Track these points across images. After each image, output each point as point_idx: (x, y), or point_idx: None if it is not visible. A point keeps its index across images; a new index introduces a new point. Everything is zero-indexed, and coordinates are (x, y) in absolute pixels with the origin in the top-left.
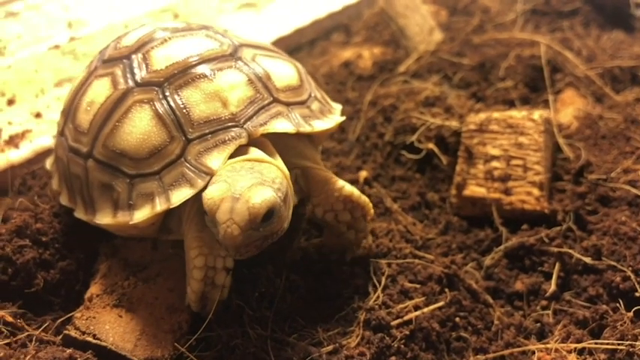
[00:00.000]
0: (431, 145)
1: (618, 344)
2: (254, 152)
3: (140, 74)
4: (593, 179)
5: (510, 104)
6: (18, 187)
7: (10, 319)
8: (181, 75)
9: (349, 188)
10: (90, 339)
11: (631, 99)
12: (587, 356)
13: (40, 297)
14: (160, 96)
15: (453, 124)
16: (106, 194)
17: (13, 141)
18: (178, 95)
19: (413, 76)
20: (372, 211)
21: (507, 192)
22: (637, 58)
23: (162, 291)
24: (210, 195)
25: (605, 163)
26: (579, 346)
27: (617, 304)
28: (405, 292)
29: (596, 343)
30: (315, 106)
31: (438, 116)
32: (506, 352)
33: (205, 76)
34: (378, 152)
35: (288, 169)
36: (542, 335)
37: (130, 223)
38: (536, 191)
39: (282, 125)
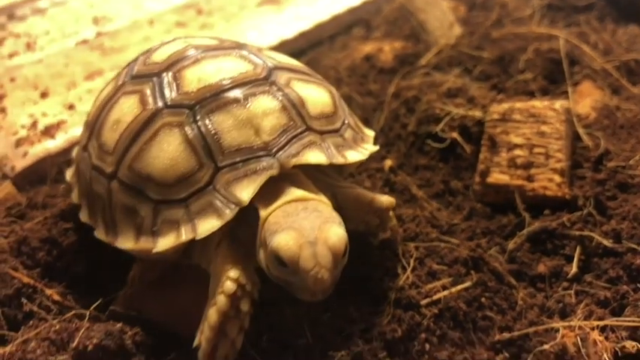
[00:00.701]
0: (455, 135)
1: (638, 321)
2: (294, 191)
3: (170, 95)
4: (612, 166)
5: (530, 95)
6: (55, 175)
7: (57, 297)
8: (213, 98)
9: (382, 201)
10: (135, 314)
11: None
12: (610, 333)
13: (84, 278)
14: (191, 120)
15: (476, 114)
16: (129, 218)
17: (48, 132)
18: (209, 120)
19: (434, 68)
20: (394, 202)
21: (530, 179)
22: None
23: (203, 272)
24: (287, 245)
25: (624, 151)
26: (601, 323)
27: (637, 285)
28: (433, 273)
29: (617, 321)
30: (348, 134)
31: (461, 107)
32: (530, 329)
33: (238, 101)
34: (402, 142)
35: (320, 191)
36: (564, 315)
37: (153, 251)
38: (557, 178)
39: (315, 157)
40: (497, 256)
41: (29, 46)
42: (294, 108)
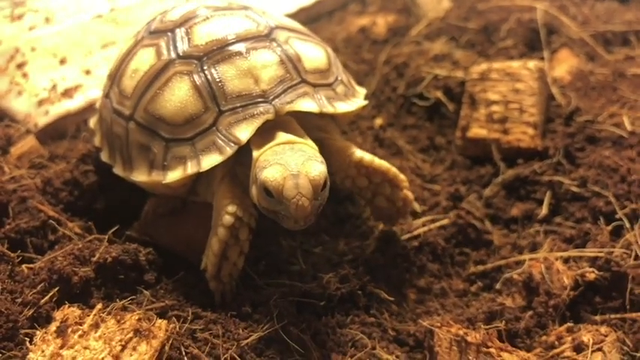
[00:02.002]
0: (439, 94)
1: (598, 252)
2: (284, 136)
3: (182, 47)
4: (582, 121)
5: (510, 59)
6: (73, 132)
7: (78, 230)
8: (219, 51)
9: (359, 154)
10: (148, 239)
11: (620, 57)
12: (572, 264)
13: (102, 214)
14: (199, 69)
15: (459, 74)
16: (143, 154)
17: (67, 93)
18: (215, 69)
19: (423, 38)
20: (401, 178)
21: (505, 132)
22: (629, 23)
23: (207, 206)
24: (273, 177)
25: (593, 109)
26: (564, 254)
27: (598, 223)
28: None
29: (578, 252)
30: (340, 89)
31: (445, 69)
32: (502, 262)
33: (241, 53)
34: (392, 104)
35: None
36: (534, 250)
37: (163, 182)
38: (530, 130)
39: (307, 105)
40: (474, 202)
41: (48, 20)
42: (291, 62)
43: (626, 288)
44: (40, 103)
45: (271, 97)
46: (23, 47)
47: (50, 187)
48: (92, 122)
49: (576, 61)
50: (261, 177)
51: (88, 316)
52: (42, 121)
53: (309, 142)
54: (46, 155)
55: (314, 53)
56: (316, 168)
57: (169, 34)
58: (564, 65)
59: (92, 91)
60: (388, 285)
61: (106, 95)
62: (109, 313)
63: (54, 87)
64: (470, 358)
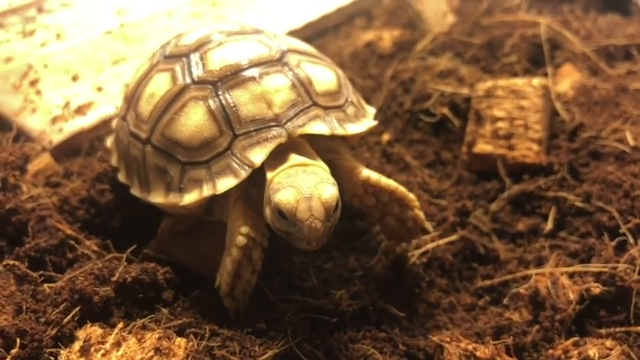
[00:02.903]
0: (445, 111)
1: (602, 267)
2: (297, 158)
3: (197, 73)
4: (586, 137)
5: (515, 76)
6: (87, 149)
7: (96, 248)
8: (233, 76)
9: (366, 173)
10: (164, 257)
11: (623, 72)
12: (578, 278)
13: (119, 232)
14: (213, 94)
15: (464, 91)
16: (160, 177)
17: (81, 110)
18: (229, 95)
19: (429, 54)
20: (410, 198)
21: (511, 148)
22: (631, 37)
23: (222, 225)
24: (286, 200)
25: (597, 124)
26: (570, 269)
27: (603, 238)
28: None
29: (583, 267)
30: (350, 110)
31: (451, 86)
32: (509, 276)
33: (254, 78)
34: (398, 119)
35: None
36: (539, 265)
37: (180, 204)
38: (535, 146)
39: (318, 128)
40: (481, 217)
41: (59, 36)
42: (303, 86)
43: (630, 302)
44: (54, 120)
45: (284, 121)
46: (36, 64)
47: (67, 206)
48: (109, 142)
49: (579, 76)
50: (275, 199)
51: (110, 335)
52: (56, 138)
53: (321, 163)
54: (61, 172)
55: (325, 76)
56: (328, 190)
57: (184, 59)
58: (567, 80)
59: (104, 108)
60: (398, 300)
61: (123, 118)
62: (129, 332)
63: (67, 104)
64: None
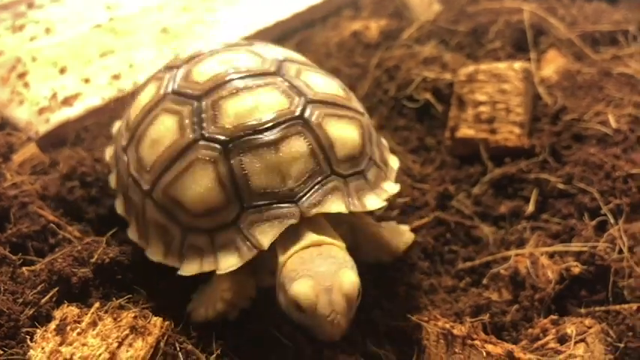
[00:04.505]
0: (428, 96)
1: (582, 246)
2: (310, 236)
3: (207, 127)
4: (568, 120)
5: (498, 61)
6: (73, 139)
7: (78, 234)
8: (247, 138)
9: (395, 245)
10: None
11: (607, 57)
12: (558, 258)
13: (101, 221)
14: (224, 157)
15: (447, 76)
16: (160, 234)
17: (67, 101)
18: (241, 161)
19: (415, 42)
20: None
21: (493, 132)
22: (617, 23)
23: None
24: (304, 294)
25: (579, 107)
26: (550, 249)
27: (583, 218)
28: (405, 211)
29: (563, 246)
30: (371, 174)
31: (434, 72)
32: (489, 257)
33: (270, 144)
34: (384, 106)
35: (337, 225)
36: (521, 246)
37: (178, 273)
38: (517, 130)
39: (335, 207)
40: (464, 200)
41: (48, 31)
42: (322, 152)
43: (609, 281)
44: (41, 111)
45: (297, 197)
46: (24, 57)
47: (49, 193)
48: (108, 155)
49: (564, 62)
50: (292, 292)
51: (86, 314)
52: (43, 128)
53: (338, 242)
54: (47, 162)
55: (348, 135)
56: (349, 279)
57: (195, 103)
58: (552, 65)
59: (91, 99)
60: (379, 283)
61: (124, 149)
62: (106, 312)
63: (54, 95)
64: (456, 350)
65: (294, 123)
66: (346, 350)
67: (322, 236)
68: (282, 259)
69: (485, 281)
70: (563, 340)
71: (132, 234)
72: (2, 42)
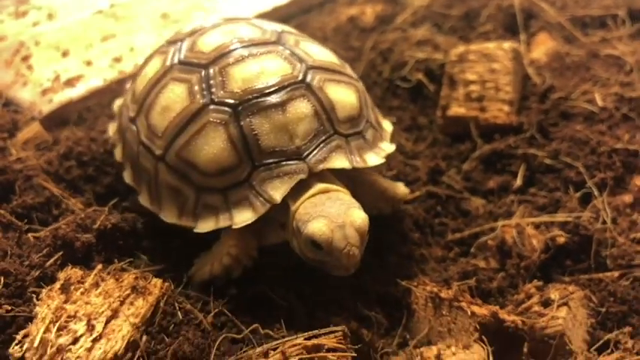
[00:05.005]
0: (420, 76)
1: (567, 216)
2: (318, 185)
3: (216, 92)
4: (556, 98)
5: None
6: (76, 119)
7: (81, 205)
8: (255, 100)
9: (392, 190)
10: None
11: (596, 39)
12: (544, 228)
13: (104, 195)
14: (234, 119)
15: (439, 57)
16: (173, 196)
17: (70, 82)
18: (250, 122)
19: (409, 26)
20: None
21: (483, 110)
22: (607, 8)
23: None
24: (320, 230)
25: (567, 87)
26: (536, 220)
27: (568, 190)
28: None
29: (549, 217)
30: (369, 134)
31: (427, 53)
32: (478, 229)
33: (276, 105)
34: (378, 87)
35: (340, 180)
36: (508, 218)
37: (194, 230)
38: (506, 107)
39: (339, 162)
40: (454, 176)
41: (50, 17)
42: (325, 113)
43: (592, 250)
44: (44, 92)
45: (304, 154)
46: (28, 42)
47: (52, 168)
48: (111, 130)
49: (554, 44)
50: (308, 231)
51: (89, 275)
52: (46, 108)
53: (343, 188)
54: (50, 140)
55: (347, 98)
56: (359, 216)
57: (202, 71)
58: (542, 47)
59: (93, 81)
60: (372, 252)
61: (132, 120)
62: (108, 273)
63: (57, 77)
64: (443, 312)
65: (298, 87)
66: (337, 312)
67: (328, 184)
68: (293, 207)
69: (472, 250)
70: (546, 303)
71: (144, 200)
72: (6, 27)
